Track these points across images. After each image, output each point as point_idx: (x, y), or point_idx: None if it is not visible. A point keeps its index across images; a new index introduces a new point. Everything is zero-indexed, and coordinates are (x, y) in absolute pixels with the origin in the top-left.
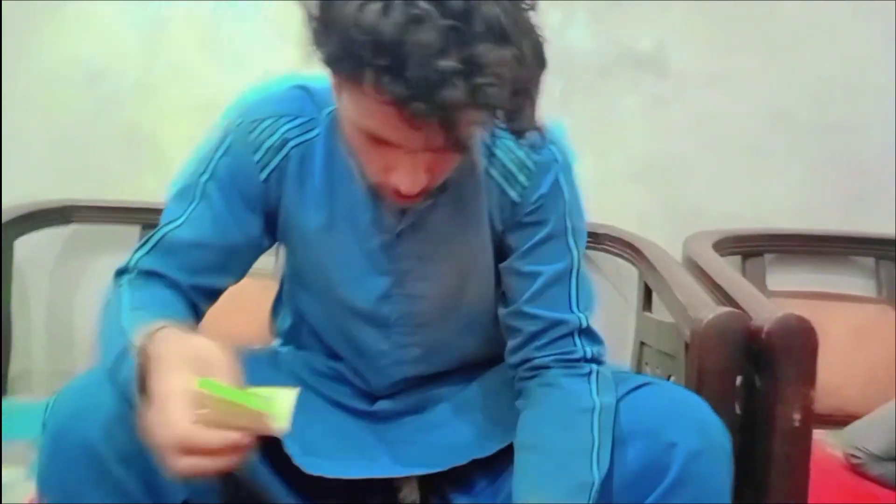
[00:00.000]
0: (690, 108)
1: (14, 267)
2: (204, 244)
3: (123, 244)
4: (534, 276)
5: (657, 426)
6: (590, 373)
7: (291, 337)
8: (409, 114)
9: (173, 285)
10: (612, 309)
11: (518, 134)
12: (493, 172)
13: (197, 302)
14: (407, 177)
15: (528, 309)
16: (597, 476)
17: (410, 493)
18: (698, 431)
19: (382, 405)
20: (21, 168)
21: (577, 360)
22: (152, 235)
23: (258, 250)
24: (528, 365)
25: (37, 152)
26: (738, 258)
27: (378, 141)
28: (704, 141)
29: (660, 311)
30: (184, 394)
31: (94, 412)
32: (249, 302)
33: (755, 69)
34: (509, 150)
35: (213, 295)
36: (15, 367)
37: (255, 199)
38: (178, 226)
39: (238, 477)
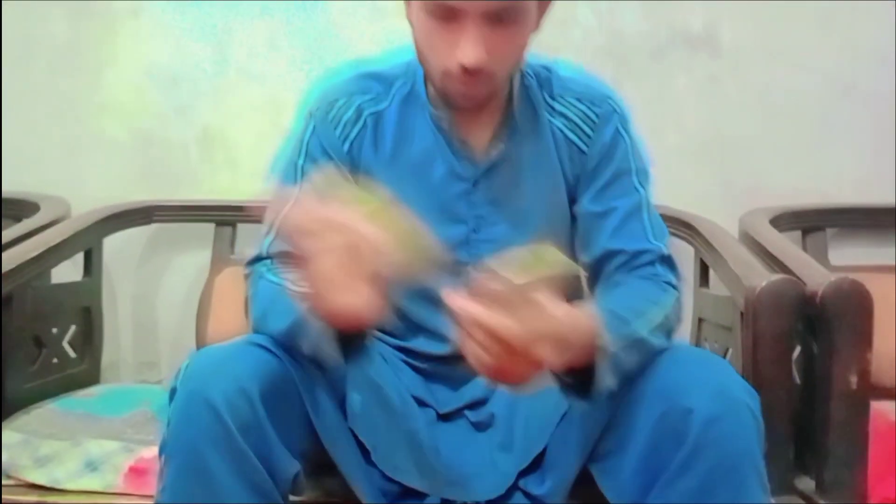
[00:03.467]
0: (746, 84)
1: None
2: None
3: (201, 241)
4: (609, 213)
5: (674, 393)
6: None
7: None
8: None
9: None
10: None
11: None
12: (560, 125)
13: None
14: (470, 48)
15: (610, 245)
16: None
17: None
18: (716, 395)
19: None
20: (106, 170)
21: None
22: (273, 223)
23: None
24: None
25: (120, 154)
26: (797, 234)
27: (443, 15)
28: (762, 117)
29: (716, 288)
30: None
31: (221, 381)
32: None
33: (813, 41)
34: (571, 104)
35: None
36: (105, 358)
37: (344, 170)
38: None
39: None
